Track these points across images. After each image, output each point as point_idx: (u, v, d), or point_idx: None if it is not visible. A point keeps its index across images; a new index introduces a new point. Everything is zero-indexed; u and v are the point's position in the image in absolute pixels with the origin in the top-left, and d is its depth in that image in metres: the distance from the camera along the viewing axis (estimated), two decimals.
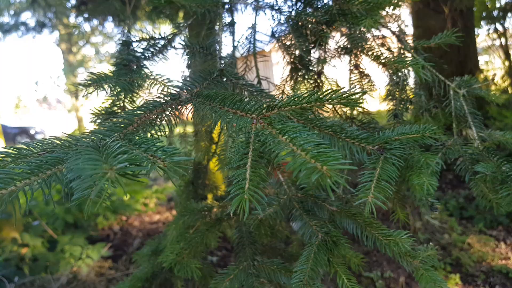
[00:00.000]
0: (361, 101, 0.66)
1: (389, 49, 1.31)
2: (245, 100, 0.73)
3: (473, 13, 6.20)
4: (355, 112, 1.26)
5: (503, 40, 7.75)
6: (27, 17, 8.96)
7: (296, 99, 0.68)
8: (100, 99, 1.05)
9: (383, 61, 1.08)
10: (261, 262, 1.25)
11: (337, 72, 1.39)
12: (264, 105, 0.71)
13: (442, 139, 1.31)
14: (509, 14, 7.58)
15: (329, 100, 0.66)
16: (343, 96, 0.66)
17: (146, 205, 5.22)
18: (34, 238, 3.75)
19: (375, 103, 1.36)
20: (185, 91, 0.85)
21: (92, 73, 0.87)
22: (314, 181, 0.55)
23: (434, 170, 1.12)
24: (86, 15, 4.41)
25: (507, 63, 7.67)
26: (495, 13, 7.64)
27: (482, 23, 7.78)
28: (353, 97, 0.66)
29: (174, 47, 1.13)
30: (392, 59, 1.07)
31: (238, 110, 0.73)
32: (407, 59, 1.05)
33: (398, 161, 0.96)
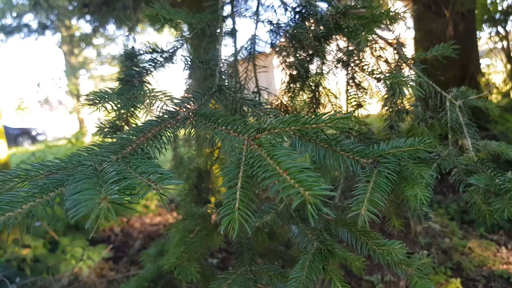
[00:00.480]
0: (347, 124, 0.69)
1: (386, 61, 1.34)
2: (238, 121, 0.76)
3: (474, 16, 6.15)
4: (351, 123, 1.29)
5: (505, 43, 7.68)
6: (30, 19, 9.05)
7: (284, 122, 0.71)
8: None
9: (377, 76, 1.11)
10: (258, 268, 1.29)
11: (337, 82, 1.42)
12: (254, 127, 0.74)
13: (437, 150, 1.34)
14: (511, 17, 7.50)
15: (315, 125, 0.70)
16: (329, 120, 0.69)
17: (147, 207, 5.25)
18: (36, 239, 3.78)
19: (376, 106, 1.38)
20: (183, 108, 0.89)
21: (95, 92, 0.91)
22: (294, 206, 0.58)
23: (428, 182, 1.15)
24: (88, 18, 4.44)
25: (509, 66, 7.60)
26: (497, 16, 7.56)
27: (484, 26, 7.71)
28: (339, 120, 0.69)
29: (175, 62, 1.16)
30: (387, 75, 1.09)
31: (231, 130, 0.77)
32: (401, 75, 1.08)
33: (391, 174, 0.99)
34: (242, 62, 1.49)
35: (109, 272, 3.74)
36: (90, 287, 3.47)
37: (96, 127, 1.05)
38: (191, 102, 0.92)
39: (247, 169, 0.70)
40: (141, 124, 0.81)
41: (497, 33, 7.53)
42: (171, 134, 0.83)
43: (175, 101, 0.90)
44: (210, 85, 1.02)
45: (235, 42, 1.43)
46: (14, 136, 20.24)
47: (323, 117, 0.70)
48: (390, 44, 1.34)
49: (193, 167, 1.91)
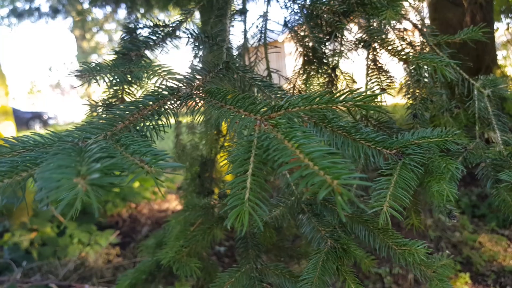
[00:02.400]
0: (378, 103, 0.58)
1: (410, 43, 1.22)
2: (249, 98, 0.65)
3: (492, 6, 5.98)
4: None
5: None
6: (41, 2, 8.92)
7: (305, 99, 0.60)
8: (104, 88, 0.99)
9: (404, 56, 0.99)
10: (265, 265, 1.18)
11: (353, 67, 1.31)
12: (270, 105, 0.63)
13: (463, 142, 1.22)
14: None
15: (343, 102, 0.58)
16: (359, 97, 0.58)
17: (155, 193, 5.19)
18: (43, 223, 3.75)
19: (391, 97, 1.26)
20: (185, 84, 0.78)
21: (85, 63, 0.80)
22: (321, 198, 0.47)
23: (455, 176, 1.03)
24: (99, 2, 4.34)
25: None
26: None
27: (502, 16, 7.51)
28: (370, 98, 0.58)
29: (178, 36, 1.05)
30: (415, 55, 0.98)
31: (241, 109, 0.65)
32: (431, 55, 0.96)
33: (417, 167, 0.88)
34: (252, 49, 1.38)
35: (116, 258, 3.71)
36: (96, 272, 3.42)
37: (87, 105, 0.94)
38: (194, 79, 0.81)
39: (259, 153, 0.59)
40: (136, 100, 0.70)
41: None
42: (171, 113, 0.72)
43: (177, 76, 0.79)
44: (216, 61, 0.91)
45: (245, 21, 1.31)
46: (26, 120, 20.26)
47: (351, 94, 0.59)
48: (415, 25, 1.22)
49: (196, 155, 1.80)
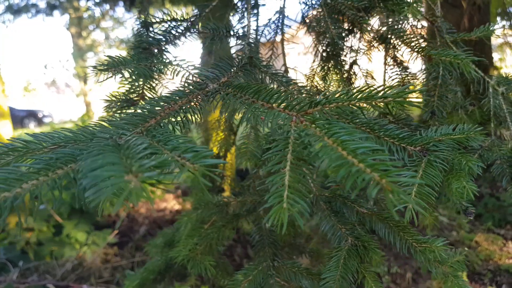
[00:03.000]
0: (420, 99, 0.57)
1: (426, 41, 1.21)
2: (283, 94, 0.64)
3: (489, 8, 5.99)
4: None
5: None
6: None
7: (344, 95, 0.59)
8: (111, 84, 0.97)
9: (427, 53, 0.98)
10: (282, 263, 1.17)
11: (369, 65, 1.30)
12: (306, 100, 0.62)
13: (479, 139, 1.21)
14: None
15: (383, 98, 0.57)
16: (400, 93, 0.56)
17: (153, 192, 5.16)
18: (40, 222, 3.70)
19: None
20: (211, 80, 0.77)
21: (110, 57, 0.78)
22: (374, 196, 0.46)
23: (474, 173, 1.03)
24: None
25: None
26: (511, 10, 7.40)
27: (498, 19, 7.54)
28: (411, 94, 0.57)
29: (197, 31, 1.03)
30: (439, 51, 0.97)
31: (275, 105, 0.64)
32: (454, 52, 0.96)
33: (442, 164, 0.87)
34: (268, 45, 1.36)
35: (114, 258, 3.66)
36: (94, 272, 3.38)
37: (106, 101, 0.92)
38: (220, 74, 0.80)
39: (298, 149, 0.57)
40: (166, 95, 0.68)
41: (511, 26, 7.36)
42: (200, 108, 0.71)
43: (203, 72, 0.77)
44: (239, 56, 0.89)
45: (257, 16, 1.29)
46: (21, 118, 20.08)
47: (391, 90, 0.57)
48: (431, 22, 1.21)
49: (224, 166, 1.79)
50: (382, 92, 0.57)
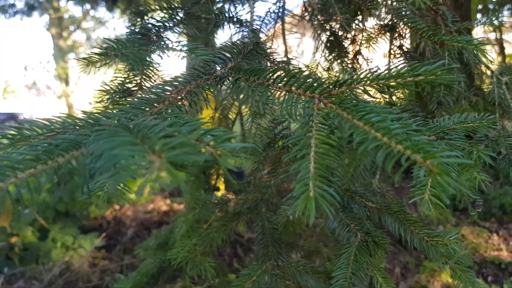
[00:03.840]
0: (453, 77, 0.53)
1: (433, 28, 1.18)
2: (303, 75, 0.58)
3: (470, 5, 6.07)
4: (394, 98, 1.12)
5: (498, 33, 7.63)
6: None
7: (372, 74, 0.54)
8: (92, 82, 0.90)
9: (440, 38, 0.94)
10: (286, 263, 1.12)
11: (375, 56, 1.26)
12: (328, 81, 0.57)
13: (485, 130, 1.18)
14: (505, 8, 7.45)
15: (414, 76, 0.53)
16: (433, 70, 0.52)
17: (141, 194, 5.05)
18: (24, 227, 3.59)
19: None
20: (219, 65, 0.71)
21: (108, 39, 0.72)
22: (421, 176, 0.41)
23: (485, 164, 0.99)
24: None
25: (501, 56, 7.57)
26: (491, 6, 7.50)
27: (478, 16, 7.64)
28: (444, 72, 0.52)
29: (199, 16, 0.98)
30: (452, 37, 0.93)
31: (293, 87, 0.59)
32: (468, 37, 0.92)
33: (459, 153, 0.83)
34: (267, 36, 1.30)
35: (102, 261, 3.57)
36: (82, 277, 3.29)
37: (101, 91, 0.85)
38: (227, 59, 0.74)
39: (323, 134, 0.52)
40: (174, 79, 0.62)
41: (491, 23, 7.43)
42: (208, 93, 0.65)
43: (210, 56, 0.72)
44: (245, 43, 0.84)
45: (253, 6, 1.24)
46: (1, 121, 19.65)
47: (423, 67, 0.53)
48: (435, 10, 1.18)
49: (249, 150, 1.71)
50: (414, 71, 0.53)
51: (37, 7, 8.49)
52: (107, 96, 0.85)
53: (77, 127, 0.53)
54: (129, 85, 0.86)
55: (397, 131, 0.47)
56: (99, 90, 0.85)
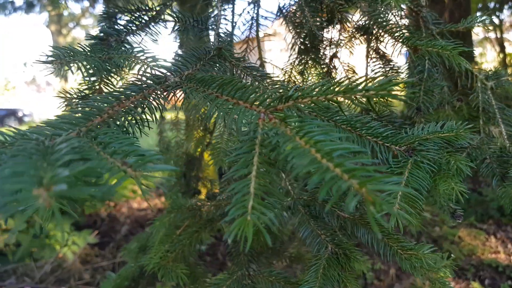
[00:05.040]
0: (402, 92, 0.49)
1: (411, 32, 1.14)
2: (251, 87, 0.55)
3: (470, 3, 6.00)
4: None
5: (498, 32, 7.57)
6: None
7: (320, 88, 0.51)
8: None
9: (414, 43, 0.90)
10: (257, 272, 1.09)
11: (352, 59, 1.22)
12: (276, 95, 0.54)
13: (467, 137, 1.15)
14: (506, 6, 7.38)
15: (364, 91, 0.49)
16: (384, 85, 0.49)
17: (135, 191, 5.03)
18: (18, 223, 3.58)
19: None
20: (173, 73, 0.68)
21: (55, 48, 0.69)
22: (352, 208, 0.38)
23: (463, 174, 0.96)
24: None
25: (501, 55, 7.51)
26: (491, 5, 7.43)
27: (478, 14, 7.54)
28: (392, 88, 0.49)
29: (163, 20, 0.94)
30: (427, 42, 0.89)
31: (241, 100, 0.55)
32: (443, 42, 0.88)
33: (430, 165, 0.80)
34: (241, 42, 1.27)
35: (94, 259, 3.56)
36: (74, 274, 3.28)
37: (60, 97, 0.82)
38: (183, 67, 0.71)
39: (265, 152, 0.49)
40: (117, 90, 0.59)
41: (491, 22, 7.35)
42: (158, 105, 0.62)
43: (163, 64, 0.69)
44: (207, 48, 0.81)
45: (233, 8, 1.21)
46: (0, 117, 19.70)
47: (374, 82, 0.49)
48: (416, 12, 1.14)
49: (182, 153, 1.70)
50: (363, 85, 0.49)
51: (36, 4, 8.45)
52: (66, 103, 0.82)
53: (6, 144, 0.50)
54: (88, 91, 0.83)
55: (337, 152, 0.43)
56: (58, 96, 0.82)
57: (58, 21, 13.85)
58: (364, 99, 0.50)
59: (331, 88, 0.50)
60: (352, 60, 1.22)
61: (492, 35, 7.72)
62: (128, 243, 3.33)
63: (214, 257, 3.46)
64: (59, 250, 3.48)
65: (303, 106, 0.52)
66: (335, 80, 0.51)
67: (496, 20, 7.23)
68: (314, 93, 0.50)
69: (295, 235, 1.68)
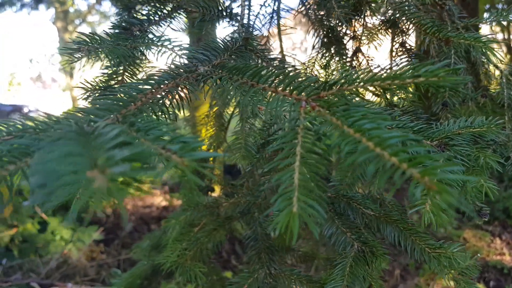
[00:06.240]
0: (457, 80, 0.47)
1: (438, 25, 1.11)
2: (290, 75, 0.53)
3: (477, 4, 5.96)
4: (395, 98, 1.06)
5: (506, 33, 7.50)
6: None
7: (366, 75, 0.48)
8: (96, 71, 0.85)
9: (446, 35, 0.88)
10: (279, 271, 1.07)
11: (375, 54, 1.20)
12: (317, 83, 0.51)
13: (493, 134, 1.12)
14: None
15: (414, 77, 0.47)
16: (435, 71, 0.46)
17: (140, 189, 4.99)
18: (24, 219, 3.58)
19: None
20: (201, 62, 0.66)
21: (83, 34, 0.67)
22: (419, 197, 0.36)
23: (493, 170, 0.93)
24: None
25: (509, 56, 7.45)
26: (499, 6, 7.37)
27: (486, 15, 7.49)
28: (448, 73, 0.46)
29: (187, 10, 0.92)
30: (458, 33, 0.87)
31: (279, 88, 0.53)
32: (475, 34, 0.86)
33: (464, 160, 0.78)
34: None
35: (100, 255, 3.56)
36: (79, 270, 3.27)
37: (81, 88, 0.79)
38: (212, 56, 0.69)
39: (309, 141, 0.47)
40: (150, 77, 0.57)
41: (499, 23, 7.30)
42: (189, 93, 0.59)
43: (192, 53, 0.66)
44: (234, 38, 0.78)
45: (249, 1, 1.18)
46: (6, 113, 19.76)
47: (423, 68, 0.47)
48: (441, 6, 1.11)
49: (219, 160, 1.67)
50: (412, 71, 0.47)
51: (43, 0, 8.50)
52: (88, 94, 0.80)
53: (38, 130, 0.48)
54: (111, 82, 0.80)
55: (392, 141, 0.41)
56: (80, 87, 0.80)
57: (64, 18, 13.88)
58: (412, 86, 0.48)
59: (379, 74, 0.48)
60: (375, 54, 1.20)
61: (499, 36, 7.65)
62: (133, 240, 3.31)
63: (219, 255, 3.45)
64: (64, 246, 3.49)
65: (347, 93, 0.49)
66: (381, 68, 0.49)
67: (503, 22, 7.17)
68: (361, 79, 0.48)
69: (308, 235, 1.66)
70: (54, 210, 3.85)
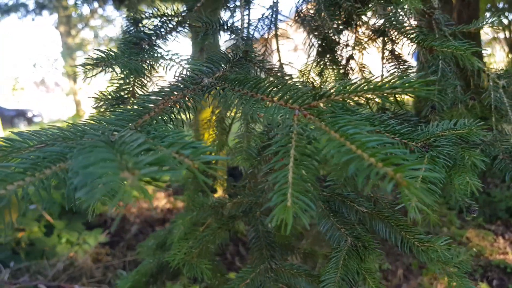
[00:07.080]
0: (428, 90, 0.54)
1: (425, 33, 1.18)
2: (285, 86, 0.60)
3: (478, 4, 6.00)
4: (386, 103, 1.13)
5: (507, 33, 7.53)
6: None
7: (352, 86, 0.55)
8: (100, 81, 0.93)
9: (429, 44, 0.95)
10: (280, 265, 1.14)
11: (367, 60, 1.27)
12: (310, 93, 0.58)
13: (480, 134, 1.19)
14: None
15: (394, 88, 0.54)
16: (410, 83, 0.53)
17: (144, 192, 5.05)
18: (31, 222, 3.65)
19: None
20: (206, 74, 0.73)
21: (100, 51, 0.74)
22: (390, 190, 0.43)
23: (478, 169, 1.00)
24: None
25: (510, 56, 7.47)
26: (500, 5, 7.40)
27: (487, 15, 7.53)
28: (420, 85, 0.54)
29: (190, 24, 0.99)
30: (441, 42, 0.94)
31: (275, 98, 0.60)
32: (457, 43, 0.93)
33: (445, 160, 0.85)
34: (261, 41, 1.32)
35: (105, 257, 3.62)
36: (86, 272, 3.33)
37: (95, 98, 0.87)
38: (215, 68, 0.76)
39: (302, 144, 0.54)
40: (160, 89, 0.64)
41: (500, 22, 7.31)
42: (195, 103, 0.67)
43: (197, 66, 0.74)
44: (234, 51, 0.86)
45: (249, 11, 1.25)
46: (10, 118, 19.89)
47: (399, 81, 0.54)
48: (428, 14, 1.18)
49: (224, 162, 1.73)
50: (390, 83, 0.54)
51: (47, 5, 8.58)
52: (101, 103, 0.87)
53: (66, 139, 0.55)
54: (122, 93, 0.88)
55: (370, 143, 0.48)
56: (93, 98, 0.87)
57: (67, 22, 14.00)
58: (392, 96, 0.55)
59: (361, 86, 0.55)
60: (367, 61, 1.27)
61: (501, 35, 7.68)
62: (138, 242, 3.37)
63: (223, 257, 3.50)
64: (70, 249, 3.55)
65: (335, 103, 0.56)
66: (364, 79, 0.56)
67: (505, 21, 7.20)
68: (345, 90, 0.55)
69: (307, 233, 1.72)
70: (59, 213, 3.92)
